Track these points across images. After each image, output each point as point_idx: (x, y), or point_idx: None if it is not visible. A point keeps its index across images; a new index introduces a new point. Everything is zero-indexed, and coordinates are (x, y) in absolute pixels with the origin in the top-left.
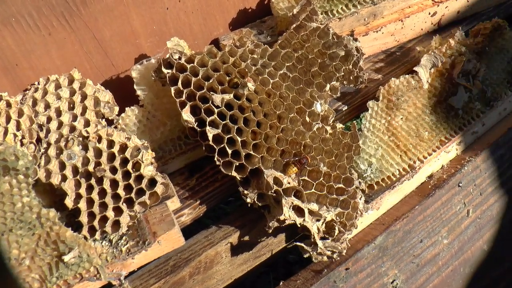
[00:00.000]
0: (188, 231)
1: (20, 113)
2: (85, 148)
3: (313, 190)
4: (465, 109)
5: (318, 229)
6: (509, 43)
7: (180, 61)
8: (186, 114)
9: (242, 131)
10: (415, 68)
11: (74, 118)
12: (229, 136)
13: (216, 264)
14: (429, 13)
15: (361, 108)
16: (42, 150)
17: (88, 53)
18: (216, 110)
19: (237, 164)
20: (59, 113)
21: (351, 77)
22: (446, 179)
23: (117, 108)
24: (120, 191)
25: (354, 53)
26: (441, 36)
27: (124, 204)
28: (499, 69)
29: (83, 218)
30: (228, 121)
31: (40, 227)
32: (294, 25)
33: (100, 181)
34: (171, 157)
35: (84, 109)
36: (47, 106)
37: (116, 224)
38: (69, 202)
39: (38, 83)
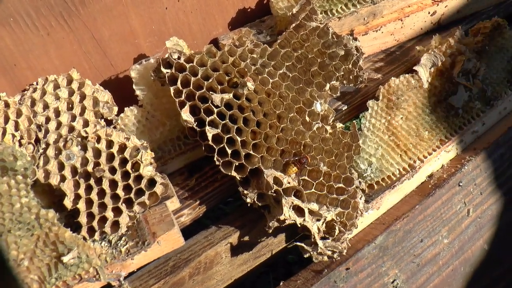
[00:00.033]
0: (188, 232)
1: (19, 114)
2: (84, 148)
3: (313, 189)
4: (465, 108)
5: (319, 229)
6: (509, 42)
7: (179, 60)
8: (186, 114)
9: (242, 131)
10: (415, 68)
11: (73, 118)
12: (228, 136)
13: (216, 265)
14: (429, 12)
15: (361, 107)
16: (41, 151)
17: (87, 53)
18: (215, 110)
19: (237, 164)
20: (57, 113)
21: (351, 77)
22: (446, 178)
23: (116, 108)
24: (119, 192)
25: (353, 52)
26: (441, 35)
27: (123, 204)
28: (499, 68)
29: (82, 219)
30: (227, 120)
31: (39, 227)
32: (294, 25)
33: (99, 181)
34: (170, 157)
35: (83, 109)
36: (46, 107)
37: (116, 225)
38: (68, 202)
39: (37, 83)
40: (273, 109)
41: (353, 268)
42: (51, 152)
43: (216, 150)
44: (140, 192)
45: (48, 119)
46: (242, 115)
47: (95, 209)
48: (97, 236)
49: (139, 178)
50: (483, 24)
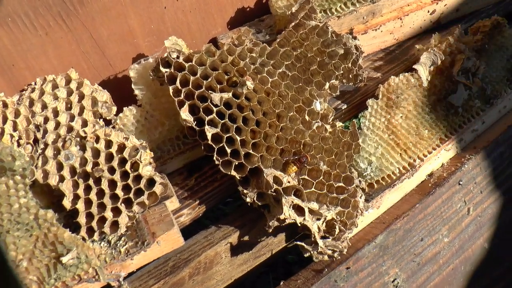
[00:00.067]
0: (187, 232)
1: (17, 114)
2: (83, 148)
3: (313, 189)
4: (465, 107)
5: (319, 228)
6: (509, 40)
7: (178, 60)
8: (185, 113)
9: (241, 130)
10: (415, 66)
11: (72, 118)
12: (228, 135)
13: (216, 265)
14: (428, 11)
15: (360, 106)
16: (40, 151)
17: (85, 53)
18: (215, 109)
19: (236, 163)
20: (56, 113)
21: (350, 76)
22: (446, 177)
23: (115, 108)
24: (119, 192)
25: (353, 51)
26: (441, 34)
27: (122, 204)
28: (499, 67)
29: (81, 219)
30: (227, 120)
31: (38, 228)
32: (293, 24)
33: (98, 181)
34: (169, 157)
35: (82, 109)
36: (44, 107)
37: (115, 225)
38: (67, 203)
39: (35, 83)
40: (273, 108)
41: (353, 267)
42: (49, 152)
43: (216, 149)
44: (139, 192)
45: (46, 119)
46: (242, 114)
47: (94, 209)
48: (96, 236)
49: (138, 178)
50: (483, 22)
